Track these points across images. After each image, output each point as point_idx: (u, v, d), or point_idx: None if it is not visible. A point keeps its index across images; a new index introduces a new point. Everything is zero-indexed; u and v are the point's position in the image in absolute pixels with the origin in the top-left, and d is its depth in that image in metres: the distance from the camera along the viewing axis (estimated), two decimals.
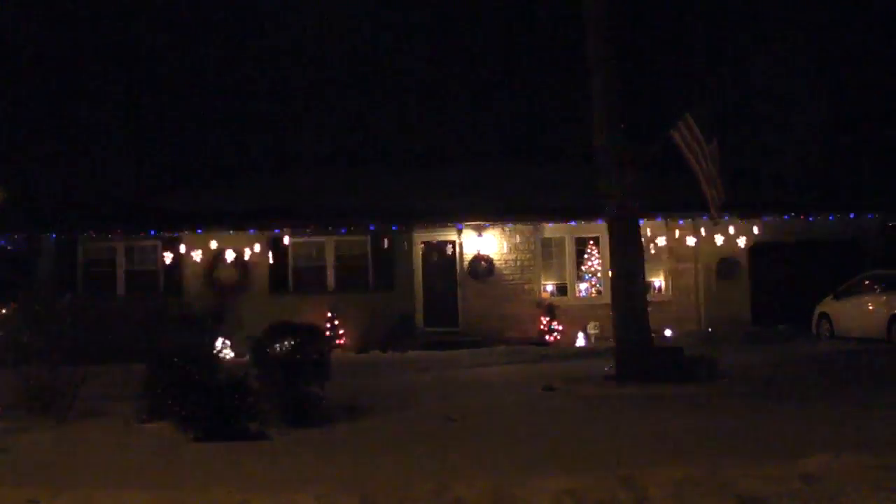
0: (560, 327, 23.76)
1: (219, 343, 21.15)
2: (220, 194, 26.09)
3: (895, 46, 32.31)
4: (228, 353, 20.73)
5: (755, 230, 24.32)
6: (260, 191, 26.40)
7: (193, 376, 11.04)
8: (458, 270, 24.72)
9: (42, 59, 31.60)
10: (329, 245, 24.68)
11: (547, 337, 23.62)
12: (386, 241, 24.09)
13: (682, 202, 22.45)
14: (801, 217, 24.94)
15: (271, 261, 24.07)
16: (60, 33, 32.15)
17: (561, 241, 25.03)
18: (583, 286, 24.95)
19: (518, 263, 24.73)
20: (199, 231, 23.91)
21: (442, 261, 24.84)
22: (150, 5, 34.78)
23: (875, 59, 32.95)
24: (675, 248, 24.73)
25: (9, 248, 24.41)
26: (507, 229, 24.68)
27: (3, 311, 13.62)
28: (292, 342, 11.70)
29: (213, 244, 23.80)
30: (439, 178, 26.80)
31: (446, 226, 24.57)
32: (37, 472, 8.82)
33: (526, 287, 24.62)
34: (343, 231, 24.44)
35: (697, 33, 33.94)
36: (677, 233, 24.51)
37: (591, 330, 23.69)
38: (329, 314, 23.11)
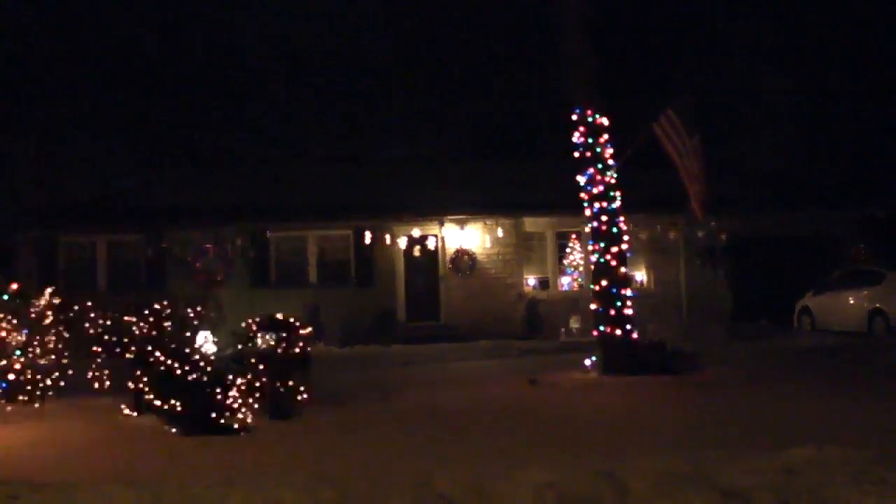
0: (542, 321, 23.78)
1: (201, 337, 21.03)
2: (202, 189, 25.96)
3: (876, 42, 32.47)
4: (211, 348, 20.64)
5: (736, 225, 24.36)
6: (242, 185, 26.30)
7: (176, 371, 11.04)
8: (441, 265, 24.73)
9: (18, 51, 31.36)
10: (311, 239, 24.65)
11: (529, 331, 23.65)
12: (368, 235, 24.08)
13: (663, 196, 22.45)
14: (782, 212, 25.07)
15: (253, 255, 23.99)
16: (41, 27, 31.91)
17: (542, 236, 25.08)
18: (565, 280, 25.00)
19: (500, 258, 24.75)
20: (180, 225, 23.81)
21: (424, 255, 24.83)
22: None
23: (856, 54, 33.13)
24: (657, 242, 24.77)
25: None
26: (489, 224, 24.69)
27: None
28: (274, 337, 11.69)
29: (195, 238, 23.70)
30: (421, 174, 26.79)
31: (428, 220, 24.58)
32: (17, 467, 8.76)
33: (508, 281, 24.66)
34: (325, 226, 24.41)
35: (679, 26, 34.03)
36: (659, 227, 24.54)
37: (574, 324, 23.73)
38: (311, 308, 23.03)
